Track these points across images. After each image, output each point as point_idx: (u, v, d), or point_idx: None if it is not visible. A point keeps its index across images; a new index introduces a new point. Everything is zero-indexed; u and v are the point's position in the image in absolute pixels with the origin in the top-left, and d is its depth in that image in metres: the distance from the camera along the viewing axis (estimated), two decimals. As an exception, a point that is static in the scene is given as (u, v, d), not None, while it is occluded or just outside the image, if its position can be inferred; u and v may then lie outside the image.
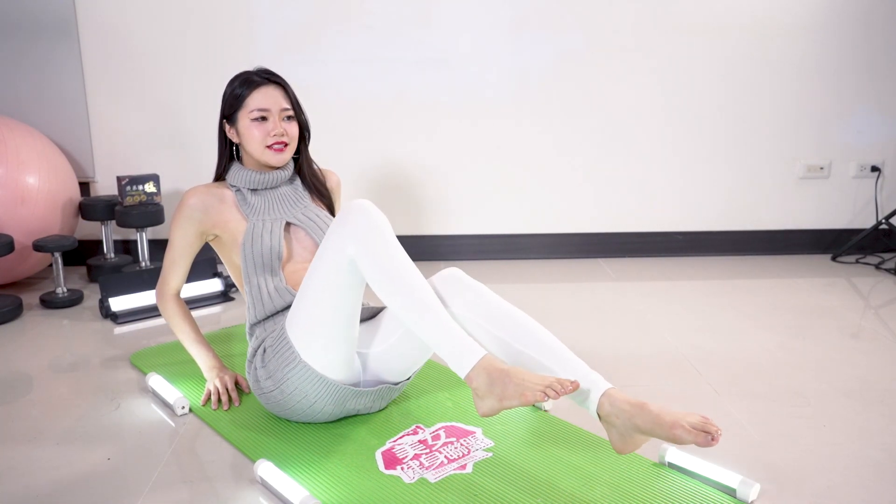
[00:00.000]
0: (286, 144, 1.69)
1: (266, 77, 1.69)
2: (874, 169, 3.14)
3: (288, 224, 1.73)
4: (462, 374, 1.32)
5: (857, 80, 3.03)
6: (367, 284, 1.44)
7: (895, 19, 2.97)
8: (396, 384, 1.63)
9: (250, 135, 1.67)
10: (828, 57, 3.00)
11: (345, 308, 1.46)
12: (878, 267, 3.00)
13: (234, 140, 1.72)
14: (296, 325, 1.49)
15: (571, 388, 1.26)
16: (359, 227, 1.40)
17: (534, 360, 1.41)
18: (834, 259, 3.13)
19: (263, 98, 1.66)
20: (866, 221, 3.18)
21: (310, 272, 1.48)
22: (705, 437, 1.21)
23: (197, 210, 1.69)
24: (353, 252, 1.39)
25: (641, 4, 2.92)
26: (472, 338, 1.36)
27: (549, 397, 1.25)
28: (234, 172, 1.73)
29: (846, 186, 3.16)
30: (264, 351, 1.57)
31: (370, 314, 1.65)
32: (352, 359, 1.54)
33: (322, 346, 1.48)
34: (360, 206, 1.42)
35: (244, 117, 1.67)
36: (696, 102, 3.04)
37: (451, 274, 1.53)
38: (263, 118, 1.66)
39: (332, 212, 1.83)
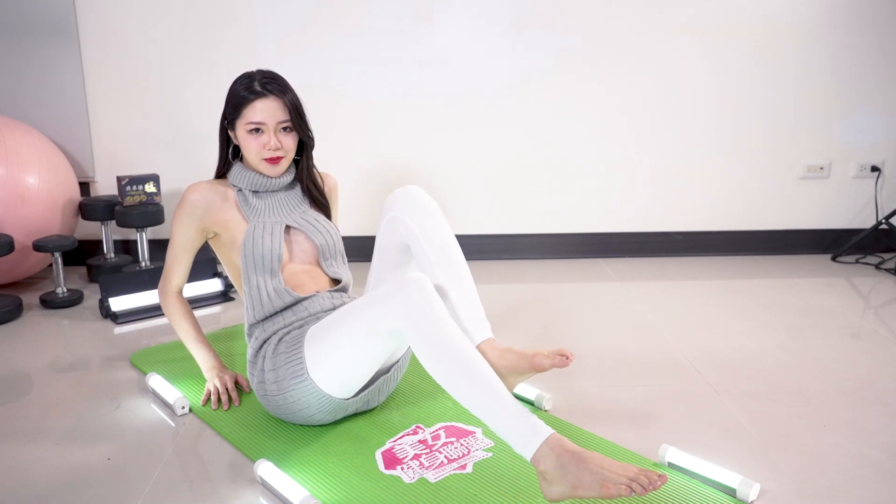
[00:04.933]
0: (281, 158, 1.68)
1: (267, 88, 1.64)
2: (874, 169, 3.14)
3: (288, 227, 1.73)
4: (527, 456, 1.23)
5: (857, 80, 3.03)
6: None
7: (895, 20, 2.97)
8: (388, 371, 1.63)
9: (247, 145, 1.67)
10: (828, 57, 3.01)
11: (374, 359, 1.47)
12: (878, 267, 3.00)
13: (235, 142, 1.72)
14: (317, 351, 1.47)
15: (660, 484, 1.16)
16: (415, 307, 1.35)
17: (442, 290, 1.51)
18: (834, 259, 3.13)
19: (261, 111, 1.63)
20: (866, 221, 3.18)
21: (353, 311, 1.44)
22: (561, 358, 1.40)
23: (198, 207, 1.68)
24: (401, 326, 1.36)
25: (641, 5, 2.92)
26: (536, 416, 1.28)
27: (634, 493, 1.15)
28: (237, 172, 1.73)
29: (846, 186, 3.16)
30: (276, 354, 1.55)
31: None
32: (360, 386, 1.54)
33: (335, 376, 1.48)
34: (419, 283, 1.38)
35: (241, 127, 1.66)
36: (697, 102, 3.04)
37: (408, 193, 1.62)
38: (259, 130, 1.65)
39: (329, 216, 1.83)
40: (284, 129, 1.67)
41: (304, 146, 1.77)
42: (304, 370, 1.48)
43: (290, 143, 1.69)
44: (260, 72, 1.68)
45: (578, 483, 1.18)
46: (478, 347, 1.48)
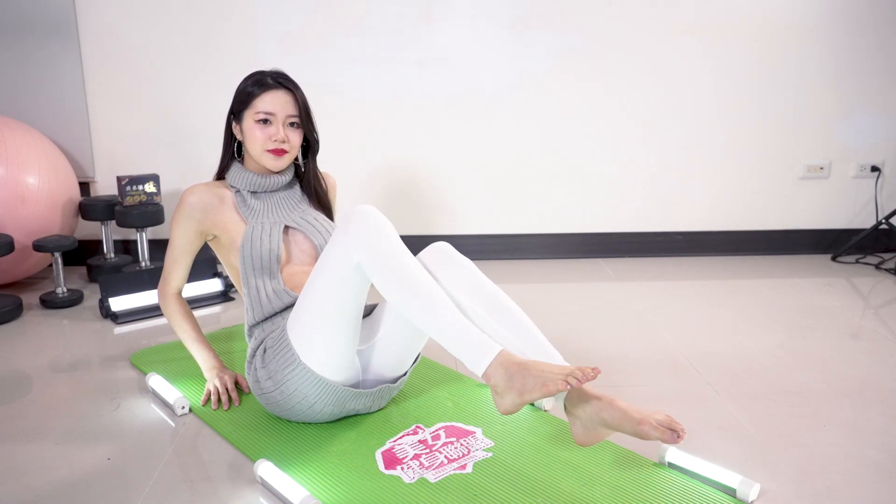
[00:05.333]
0: (286, 152, 1.68)
1: (279, 81, 1.67)
2: (874, 169, 3.14)
3: (286, 227, 1.73)
4: (479, 373, 1.30)
5: (857, 80, 3.03)
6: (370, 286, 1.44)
7: (895, 20, 2.97)
8: (395, 382, 1.63)
9: (252, 135, 1.67)
10: (828, 57, 3.01)
11: (347, 312, 1.46)
12: (878, 267, 3.00)
13: (239, 137, 1.72)
14: (297, 328, 1.49)
15: (593, 376, 1.23)
16: (363, 232, 1.39)
17: (513, 345, 1.44)
18: (834, 259, 3.13)
19: (272, 102, 1.65)
20: (866, 221, 3.18)
21: (313, 275, 1.47)
22: (671, 434, 1.26)
23: (196, 209, 1.68)
24: (358, 257, 1.38)
25: (641, 5, 2.92)
26: (486, 334, 1.34)
27: (571, 385, 1.22)
28: (235, 173, 1.73)
29: (846, 186, 3.16)
30: (265, 351, 1.57)
31: (366, 312, 1.65)
32: (352, 361, 1.54)
33: (323, 349, 1.48)
34: (364, 211, 1.41)
35: (249, 117, 1.67)
36: (696, 103, 3.04)
37: (441, 248, 1.55)
38: (267, 121, 1.66)
39: (330, 216, 1.83)
40: (292, 124, 1.68)
41: (310, 149, 1.77)
42: (293, 356, 1.48)
43: (295, 139, 1.69)
44: (271, 70, 1.71)
45: (524, 388, 1.25)
46: (568, 392, 1.35)
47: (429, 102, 3.00)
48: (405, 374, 1.66)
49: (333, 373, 1.51)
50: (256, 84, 1.67)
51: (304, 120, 1.70)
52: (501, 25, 2.93)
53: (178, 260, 1.74)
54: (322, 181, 1.83)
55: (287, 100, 1.67)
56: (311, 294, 1.46)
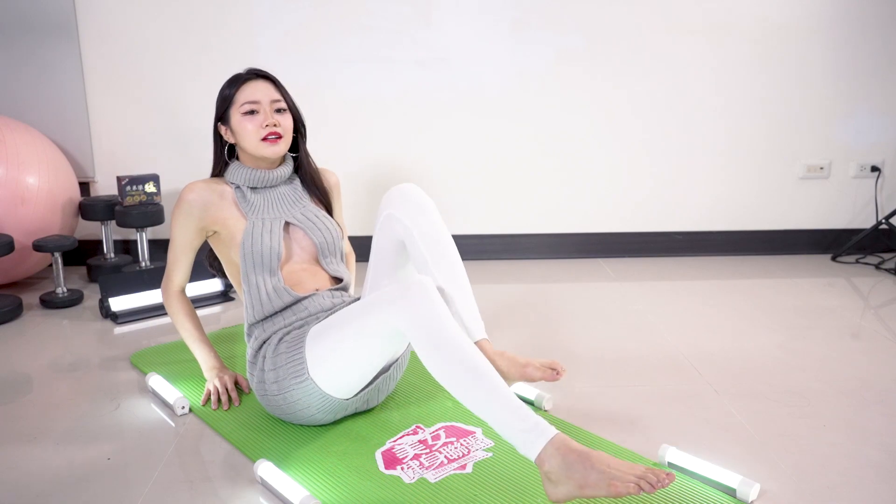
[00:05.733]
0: (280, 136, 1.67)
1: (255, 73, 1.69)
2: (874, 169, 3.14)
3: (287, 224, 1.72)
4: (531, 456, 1.21)
5: (857, 80, 3.03)
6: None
7: (895, 20, 2.97)
8: (387, 370, 1.62)
9: (243, 129, 1.66)
10: (828, 57, 3.01)
11: (375, 361, 1.47)
12: (878, 267, 3.00)
13: (230, 140, 1.72)
14: (317, 348, 1.47)
15: (668, 482, 1.14)
16: (415, 309, 1.34)
17: (441, 293, 1.50)
18: (834, 259, 3.13)
19: (253, 91, 1.66)
20: (866, 221, 3.19)
21: (355, 313, 1.43)
22: (552, 373, 1.46)
23: (195, 206, 1.68)
24: (405, 329, 1.35)
25: (641, 5, 2.92)
26: (539, 415, 1.26)
27: (643, 491, 1.13)
28: (234, 170, 1.72)
29: (846, 186, 3.16)
30: (276, 354, 1.55)
31: None
32: (360, 386, 1.54)
33: (336, 376, 1.48)
34: (423, 285, 1.37)
35: (235, 113, 1.66)
36: (696, 102, 3.04)
37: (403, 191, 1.62)
38: (254, 111, 1.66)
39: (330, 212, 1.83)
40: (278, 110, 1.68)
41: (298, 134, 1.76)
42: (304, 370, 1.48)
43: (286, 122, 1.69)
44: (245, 69, 1.72)
45: (585, 482, 1.16)
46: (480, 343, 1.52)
47: (428, 102, 3.00)
48: (396, 360, 1.65)
49: (340, 393, 1.51)
50: (233, 82, 1.68)
51: (290, 102, 1.71)
52: (501, 25, 2.93)
53: (180, 257, 1.73)
54: (315, 168, 1.82)
55: (266, 86, 1.68)
56: (345, 331, 1.43)
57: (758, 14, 2.95)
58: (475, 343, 1.50)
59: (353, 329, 1.42)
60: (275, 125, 1.66)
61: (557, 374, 1.48)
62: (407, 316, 1.34)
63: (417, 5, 2.90)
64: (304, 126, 1.77)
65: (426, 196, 1.64)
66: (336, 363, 1.46)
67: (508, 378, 1.48)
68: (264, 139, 1.66)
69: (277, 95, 1.68)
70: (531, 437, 1.21)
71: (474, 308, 1.57)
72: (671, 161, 3.10)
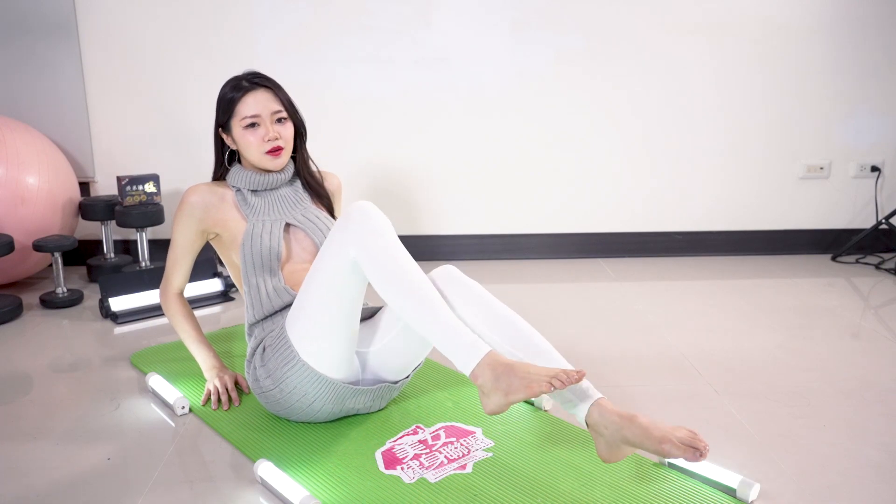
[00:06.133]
0: (282, 148, 1.68)
1: (255, 81, 1.67)
2: (874, 169, 3.14)
3: (288, 225, 1.73)
4: (467, 372, 1.31)
5: (857, 80, 3.03)
6: (368, 285, 1.44)
7: (894, 20, 2.97)
8: (395, 383, 1.63)
9: (246, 142, 1.67)
10: (828, 57, 3.01)
11: (346, 309, 1.46)
12: (878, 267, 3.01)
13: (232, 146, 1.73)
14: (296, 325, 1.49)
15: (577, 378, 1.24)
16: (360, 230, 1.40)
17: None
18: (834, 259, 3.13)
19: (253, 104, 1.65)
20: (866, 221, 3.19)
21: (311, 273, 1.48)
22: (693, 452, 1.23)
23: (197, 208, 1.69)
24: (354, 254, 1.39)
25: (641, 5, 2.92)
26: (476, 334, 1.35)
27: (554, 387, 1.23)
28: (235, 173, 1.73)
29: (846, 186, 3.16)
30: (263, 350, 1.57)
31: (369, 314, 1.65)
32: (351, 358, 1.54)
33: (321, 347, 1.48)
34: (361, 208, 1.42)
35: (237, 125, 1.67)
36: (696, 103, 3.04)
37: (447, 272, 1.53)
38: (255, 124, 1.66)
39: (332, 213, 1.83)
40: (279, 119, 1.68)
41: (298, 137, 1.77)
42: (292, 353, 1.49)
43: (287, 133, 1.70)
44: (245, 72, 1.71)
45: (509, 388, 1.26)
46: (589, 409, 1.34)
47: (428, 102, 3.00)
48: (407, 378, 1.66)
49: (332, 370, 1.51)
50: (234, 90, 1.67)
51: (290, 111, 1.71)
52: (501, 25, 2.93)
53: (180, 260, 1.74)
54: (316, 171, 1.82)
55: (267, 97, 1.67)
56: (310, 291, 1.47)
57: (758, 14, 2.95)
58: (595, 402, 1.34)
59: (316, 282, 1.45)
60: (276, 138, 1.66)
61: (702, 455, 1.23)
62: (353, 241, 1.39)
63: (417, 5, 2.90)
64: (304, 129, 1.78)
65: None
66: (316, 328, 1.47)
67: (637, 448, 1.29)
68: (267, 153, 1.67)
69: (277, 106, 1.68)
70: (467, 355, 1.31)
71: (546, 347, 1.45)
72: (671, 161, 3.10)
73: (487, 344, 1.33)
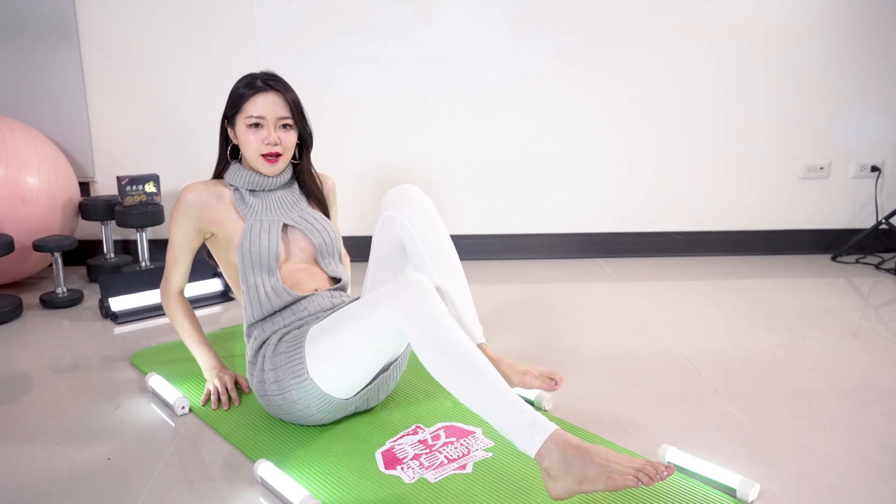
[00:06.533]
0: (279, 155, 1.68)
1: (269, 84, 1.66)
2: (874, 169, 3.14)
3: (285, 226, 1.73)
4: (531, 453, 1.21)
5: (857, 80, 3.03)
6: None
7: (894, 20, 2.97)
8: (387, 369, 1.62)
9: (246, 140, 1.67)
10: (828, 57, 3.01)
11: (375, 361, 1.46)
12: (878, 267, 3.00)
13: (234, 141, 1.72)
14: (317, 348, 1.47)
15: (667, 474, 1.15)
16: (415, 306, 1.34)
17: (442, 291, 1.54)
18: (834, 259, 3.13)
19: (262, 105, 1.64)
20: (866, 221, 3.19)
21: (354, 312, 1.43)
22: (550, 382, 1.48)
23: (194, 207, 1.69)
24: (403, 326, 1.35)
25: (641, 5, 2.92)
26: (539, 412, 1.28)
27: (641, 483, 1.14)
28: (233, 172, 1.73)
29: (846, 186, 3.16)
30: (276, 354, 1.55)
31: None
32: (360, 387, 1.54)
33: (334, 375, 1.48)
34: (420, 284, 1.37)
35: (241, 122, 1.66)
36: (697, 103, 3.04)
37: (405, 191, 1.64)
38: (258, 125, 1.66)
39: (327, 214, 1.83)
40: (284, 126, 1.68)
41: (304, 146, 1.77)
42: (304, 370, 1.48)
43: (289, 140, 1.69)
44: (262, 72, 1.70)
45: (584, 477, 1.16)
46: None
47: (428, 102, 3.00)
48: (396, 360, 1.64)
49: (339, 393, 1.51)
50: (246, 87, 1.66)
51: (297, 118, 1.69)
52: (502, 24, 2.93)
53: (178, 258, 1.74)
54: (317, 179, 1.83)
55: (276, 101, 1.66)
56: (345, 330, 1.43)
57: (758, 14, 2.95)
58: (480, 346, 1.51)
59: (352, 328, 1.42)
60: (275, 144, 1.66)
61: (556, 384, 1.49)
62: (405, 313, 1.34)
63: (417, 5, 2.90)
64: (311, 139, 1.77)
65: (426, 197, 1.66)
66: (336, 363, 1.46)
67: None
68: (263, 156, 1.67)
69: (285, 112, 1.67)
70: (530, 434, 1.21)
71: (472, 310, 1.59)
72: (671, 161, 3.10)
73: (551, 422, 1.24)
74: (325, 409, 1.54)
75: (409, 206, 1.63)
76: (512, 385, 1.48)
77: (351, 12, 2.90)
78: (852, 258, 3.13)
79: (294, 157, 1.78)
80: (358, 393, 1.56)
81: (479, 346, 1.54)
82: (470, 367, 1.29)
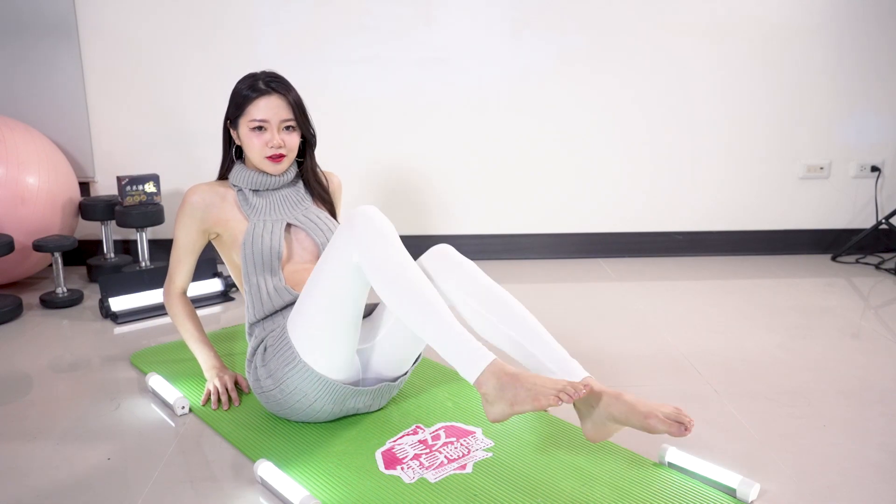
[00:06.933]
0: (283, 156, 1.68)
1: (271, 87, 1.66)
2: (874, 169, 3.14)
3: (289, 225, 1.73)
4: (471, 379, 1.30)
5: (857, 80, 3.03)
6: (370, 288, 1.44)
7: (895, 20, 2.97)
8: (395, 380, 1.63)
9: (250, 143, 1.67)
10: (828, 57, 3.01)
11: (347, 312, 1.46)
12: (878, 267, 3.01)
13: (237, 142, 1.73)
14: (297, 327, 1.49)
15: (584, 392, 1.24)
16: (364, 234, 1.39)
17: (520, 346, 1.45)
18: (834, 259, 3.13)
19: (265, 108, 1.64)
20: (866, 221, 3.19)
21: (313, 275, 1.48)
22: (678, 427, 1.28)
23: (198, 208, 1.69)
24: (357, 258, 1.39)
25: (642, 5, 2.92)
26: (479, 340, 1.34)
27: (562, 401, 1.23)
28: (237, 172, 1.73)
29: (846, 186, 3.16)
30: (265, 350, 1.57)
31: (367, 311, 1.65)
32: (352, 359, 1.55)
33: (323, 348, 1.48)
34: (365, 212, 1.42)
35: (244, 125, 1.67)
36: (697, 103, 3.04)
37: (441, 251, 1.56)
38: (262, 128, 1.66)
39: (333, 214, 1.83)
40: (287, 127, 1.68)
41: (307, 145, 1.77)
42: (294, 354, 1.48)
43: (292, 142, 1.69)
44: (263, 72, 1.70)
45: (515, 399, 1.26)
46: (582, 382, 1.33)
47: (428, 102, 3.00)
48: (406, 374, 1.66)
49: (333, 371, 1.51)
50: (249, 89, 1.66)
51: (300, 120, 1.69)
52: (502, 24, 2.93)
53: (183, 259, 1.74)
54: (322, 178, 1.83)
55: (279, 104, 1.66)
56: (312, 293, 1.47)
57: (758, 14, 2.95)
58: (582, 380, 1.38)
59: (318, 286, 1.45)
60: (280, 146, 1.66)
61: (685, 429, 1.27)
62: (356, 245, 1.38)
63: (417, 5, 2.90)
64: (314, 139, 1.77)
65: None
66: (318, 331, 1.46)
67: (624, 423, 1.33)
68: (268, 157, 1.67)
69: (288, 115, 1.67)
70: (472, 363, 1.30)
71: (555, 346, 1.47)
72: (671, 161, 3.10)
73: (491, 353, 1.32)
74: (323, 397, 1.53)
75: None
76: (632, 426, 1.32)
77: (351, 12, 2.90)
78: (852, 258, 3.13)
79: (298, 156, 1.78)
80: (357, 384, 1.55)
81: (585, 379, 1.39)
82: (420, 299, 1.35)
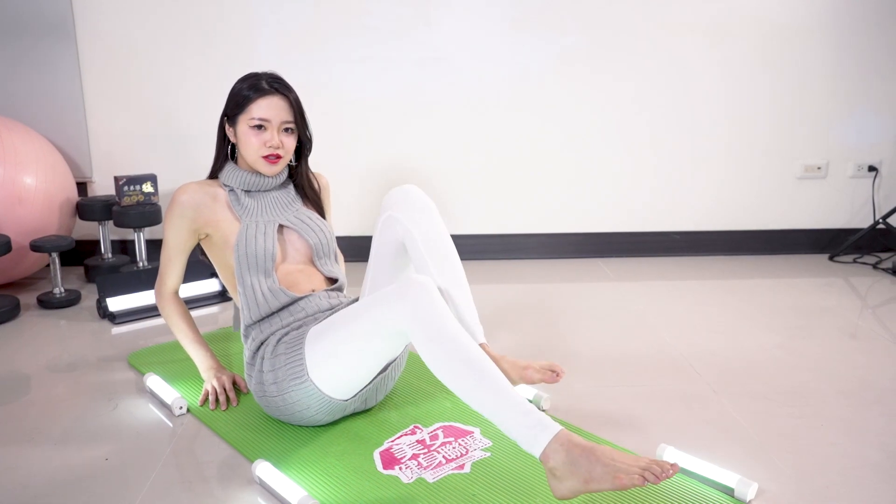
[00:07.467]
0: (280, 157, 1.68)
1: (274, 87, 1.65)
2: (871, 169, 3.14)
3: (281, 226, 1.72)
4: (536, 453, 1.21)
5: (855, 80, 3.04)
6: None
7: (893, 20, 2.97)
8: (385, 370, 1.62)
9: (247, 141, 1.66)
10: (826, 57, 3.01)
11: (374, 361, 1.47)
12: (875, 266, 3.01)
13: (233, 140, 1.72)
14: (316, 349, 1.47)
15: (672, 472, 1.15)
16: (419, 309, 1.34)
17: (445, 292, 1.56)
18: (831, 259, 3.13)
19: (267, 108, 1.64)
20: (864, 221, 3.19)
21: (356, 312, 1.43)
22: (552, 375, 1.51)
23: (188, 207, 1.67)
24: (406, 327, 1.35)
25: (642, 5, 2.92)
26: (543, 412, 1.26)
27: (647, 482, 1.14)
28: (229, 172, 1.72)
29: (844, 186, 3.17)
30: (274, 355, 1.55)
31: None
32: (359, 388, 1.54)
33: (336, 377, 1.48)
34: (424, 285, 1.36)
35: (244, 122, 1.66)
36: (695, 103, 3.04)
37: (405, 192, 1.65)
38: (262, 127, 1.65)
39: (322, 214, 1.83)
40: (286, 129, 1.67)
41: (302, 149, 1.77)
42: (304, 371, 1.48)
43: (290, 144, 1.69)
44: (265, 73, 1.69)
45: (590, 477, 1.16)
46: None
47: (428, 102, 3.00)
48: (394, 360, 1.64)
49: (339, 394, 1.51)
50: (252, 88, 1.65)
51: (299, 123, 1.69)
52: (502, 24, 2.93)
53: (173, 259, 1.73)
54: (315, 183, 1.83)
55: (282, 105, 1.65)
56: (348, 327, 1.43)
57: (758, 14, 2.95)
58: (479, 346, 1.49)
59: (353, 329, 1.42)
60: (278, 147, 1.66)
61: (557, 375, 1.51)
62: (408, 314, 1.34)
63: (417, 5, 2.90)
64: (310, 144, 1.77)
65: (427, 197, 1.67)
66: (336, 364, 1.46)
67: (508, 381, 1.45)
68: (264, 157, 1.66)
69: (289, 117, 1.66)
70: (535, 434, 1.21)
71: (473, 311, 1.60)
72: (670, 161, 3.10)
73: (556, 423, 1.23)
74: (323, 410, 1.54)
75: (411, 206, 1.63)
76: (514, 382, 1.51)
77: (351, 12, 2.89)
78: (850, 258, 3.13)
79: (290, 161, 1.78)
80: (357, 394, 1.56)
81: (480, 345, 1.55)
82: (474, 368, 1.28)
